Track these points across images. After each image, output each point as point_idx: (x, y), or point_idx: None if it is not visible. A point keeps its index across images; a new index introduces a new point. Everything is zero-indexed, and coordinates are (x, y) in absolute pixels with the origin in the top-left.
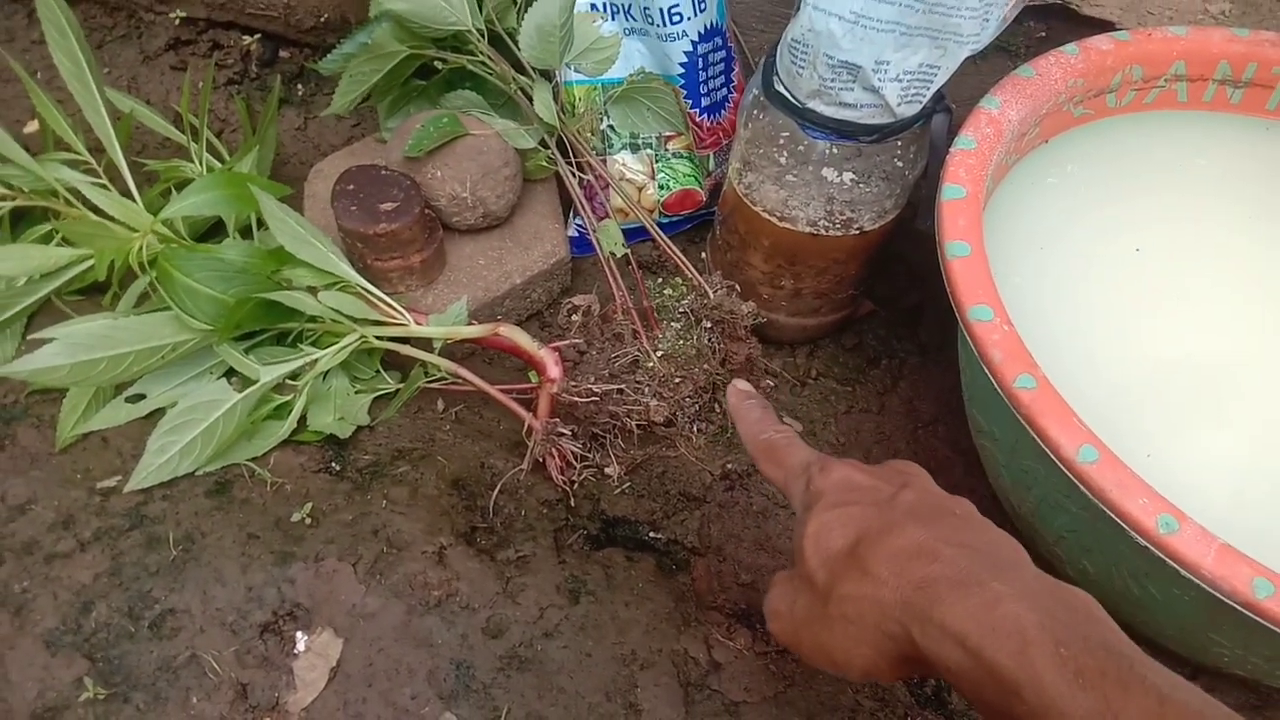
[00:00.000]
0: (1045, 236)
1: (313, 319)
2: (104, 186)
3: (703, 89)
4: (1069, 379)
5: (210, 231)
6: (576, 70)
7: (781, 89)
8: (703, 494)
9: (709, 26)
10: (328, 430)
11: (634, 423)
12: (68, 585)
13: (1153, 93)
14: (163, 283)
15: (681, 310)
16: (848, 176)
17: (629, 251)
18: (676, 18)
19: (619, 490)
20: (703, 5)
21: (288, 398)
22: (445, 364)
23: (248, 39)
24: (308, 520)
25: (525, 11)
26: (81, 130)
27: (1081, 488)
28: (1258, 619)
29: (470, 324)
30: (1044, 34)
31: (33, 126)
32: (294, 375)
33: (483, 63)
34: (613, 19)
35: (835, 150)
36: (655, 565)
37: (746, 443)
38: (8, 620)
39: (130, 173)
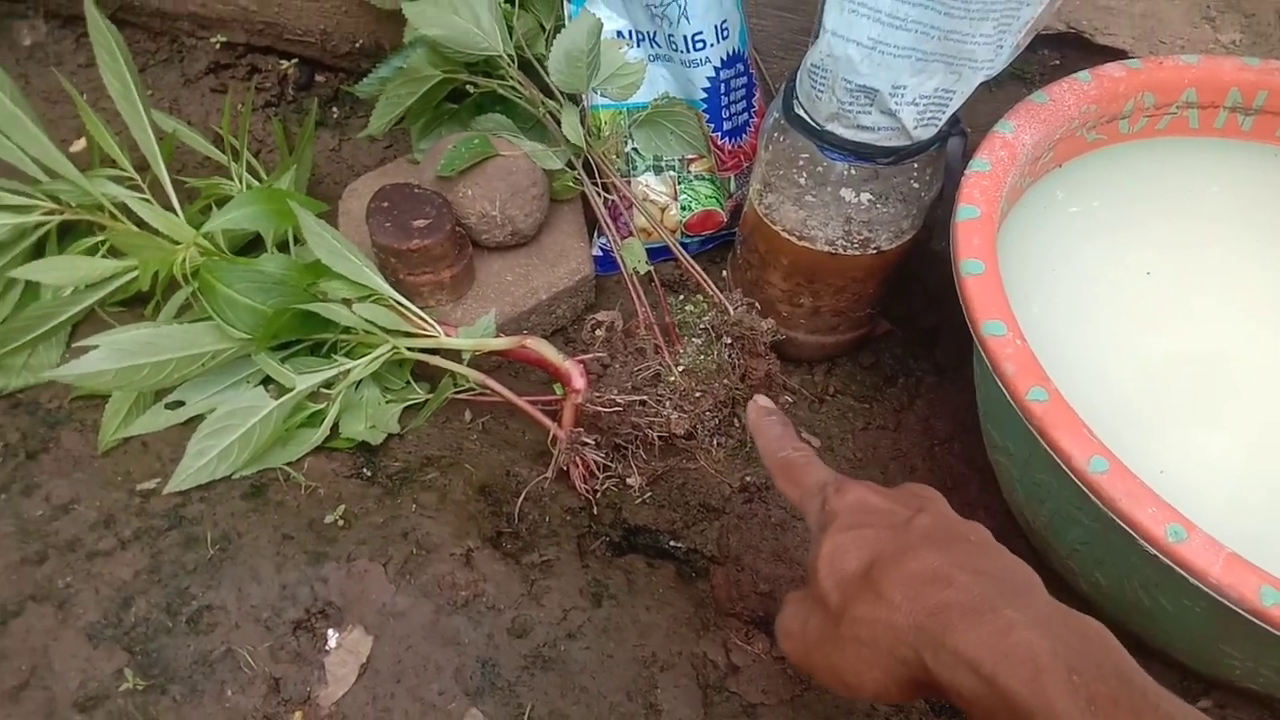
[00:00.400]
0: (1058, 258)
1: (347, 330)
2: (148, 201)
3: (725, 113)
4: (1081, 397)
5: (248, 246)
6: (603, 95)
7: (801, 112)
8: (722, 505)
9: (731, 53)
10: (359, 437)
11: (655, 434)
12: (109, 581)
13: (1165, 119)
14: (204, 293)
15: (702, 326)
16: (865, 197)
17: (652, 269)
18: (700, 45)
19: (640, 500)
20: (725, 33)
21: (321, 406)
22: (473, 374)
23: (285, 64)
24: (340, 522)
25: (554, 38)
26: (127, 148)
27: (1093, 498)
28: (1266, 627)
29: (497, 337)
30: (1058, 62)
31: (78, 145)
32: (328, 384)
33: (513, 87)
34: (638, 46)
35: (853, 172)
36: (675, 572)
37: (765, 459)
38: (52, 613)
39: (173, 189)
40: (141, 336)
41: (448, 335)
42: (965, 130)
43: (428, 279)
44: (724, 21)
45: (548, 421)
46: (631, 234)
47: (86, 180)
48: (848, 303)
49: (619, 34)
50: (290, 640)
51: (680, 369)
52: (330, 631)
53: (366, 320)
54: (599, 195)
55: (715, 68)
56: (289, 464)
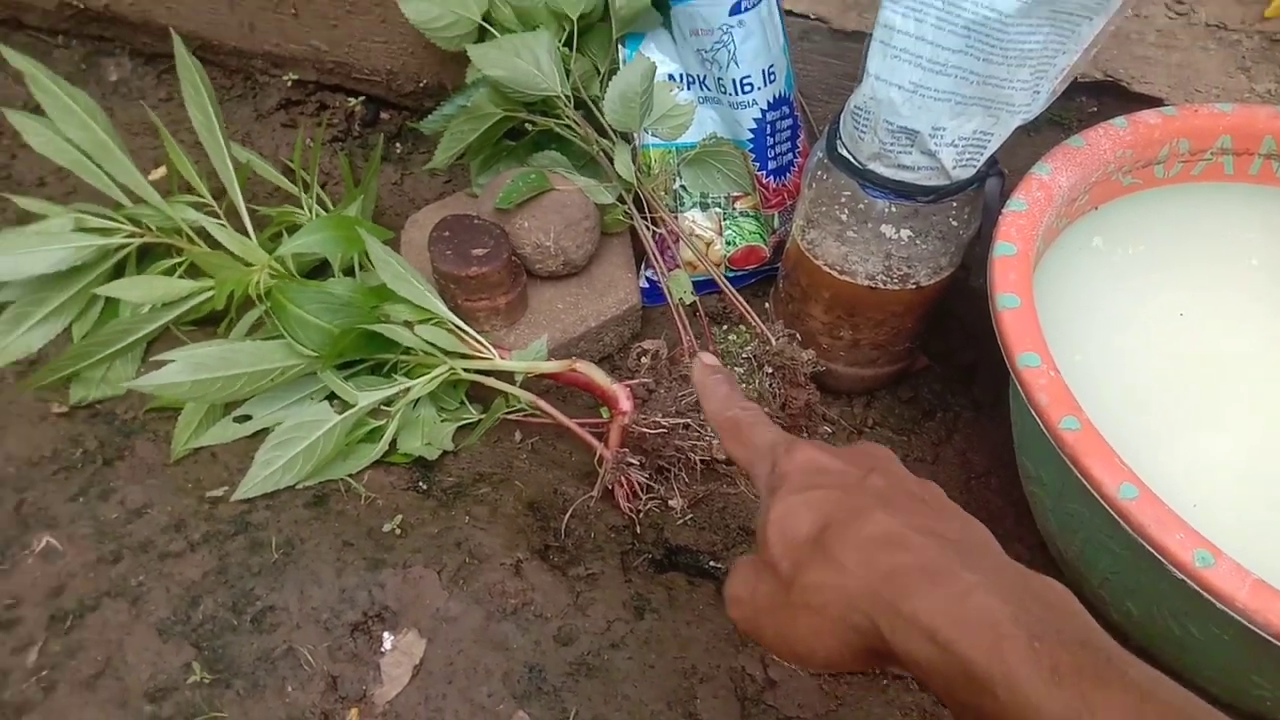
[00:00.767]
0: (1092, 298)
1: (407, 351)
2: (224, 226)
3: (770, 153)
4: (1114, 433)
5: (314, 271)
6: (654, 134)
7: (844, 152)
8: None
9: (777, 96)
10: (416, 453)
11: (697, 458)
12: (179, 581)
13: (1200, 165)
14: (276, 313)
15: (745, 356)
16: (905, 234)
17: (696, 300)
18: (748, 88)
19: (682, 521)
20: (772, 77)
21: (381, 422)
22: (525, 395)
23: (352, 101)
24: (397, 531)
25: (609, 80)
26: (204, 176)
27: (1122, 524)
28: None
29: (548, 361)
30: (1095, 109)
31: (156, 174)
32: (388, 402)
33: (568, 126)
34: (688, 88)
35: (894, 209)
36: (715, 590)
37: (711, 419)
38: (125, 609)
39: (247, 216)
40: (216, 352)
41: (502, 358)
42: (1003, 171)
43: (484, 304)
44: (771, 66)
45: (594, 442)
46: (678, 266)
47: (168, 205)
48: (887, 336)
49: (670, 77)
50: (348, 641)
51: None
52: (386, 634)
53: (427, 341)
54: (648, 229)
55: (762, 110)
56: (350, 476)
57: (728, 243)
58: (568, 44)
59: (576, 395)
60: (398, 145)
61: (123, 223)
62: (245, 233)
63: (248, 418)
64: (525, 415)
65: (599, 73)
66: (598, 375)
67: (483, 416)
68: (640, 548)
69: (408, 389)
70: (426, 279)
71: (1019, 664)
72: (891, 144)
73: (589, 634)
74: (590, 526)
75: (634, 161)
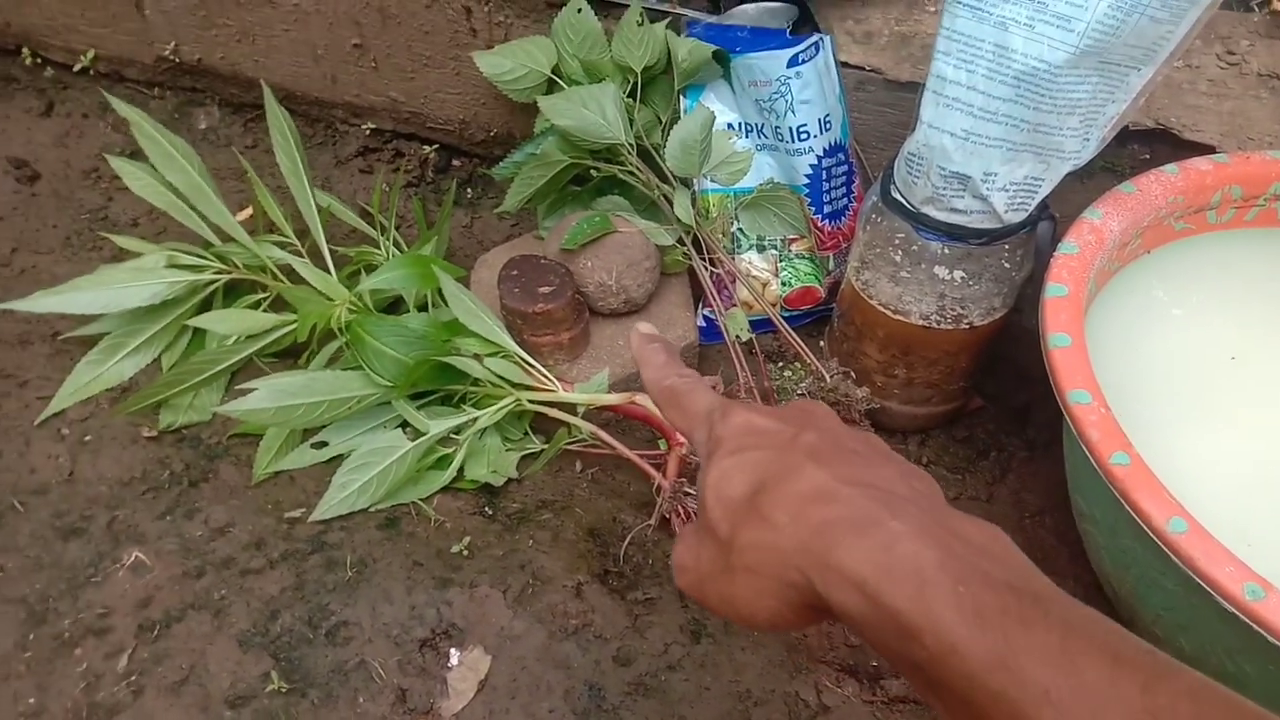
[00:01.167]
0: (1145, 340)
1: (475, 382)
2: (307, 264)
3: (825, 198)
4: (1163, 472)
5: (389, 308)
6: (712, 180)
7: (898, 196)
8: None
9: (833, 144)
10: (482, 479)
11: None
12: (258, 596)
13: (1253, 211)
14: (355, 344)
15: (799, 392)
16: (958, 275)
17: (753, 338)
18: (804, 135)
19: None
20: (828, 125)
21: (450, 450)
22: (586, 426)
23: (426, 149)
24: (464, 553)
25: (670, 129)
26: (288, 218)
27: (1173, 558)
28: None
29: (609, 393)
30: (1147, 156)
31: (241, 216)
32: (456, 431)
33: (631, 172)
34: (746, 136)
35: (947, 251)
36: None
37: (649, 388)
38: (208, 621)
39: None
40: (298, 381)
41: (565, 390)
42: (1054, 215)
43: (549, 340)
44: (827, 115)
45: (653, 472)
46: (735, 306)
47: (255, 244)
48: (940, 375)
49: (729, 126)
50: (417, 656)
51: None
52: (453, 650)
53: (494, 374)
54: (706, 270)
55: (818, 156)
56: (420, 500)
57: (783, 284)
58: (632, 95)
59: (636, 427)
60: (468, 191)
61: (212, 260)
62: (326, 270)
63: (324, 444)
64: (586, 446)
65: (661, 122)
66: (657, 409)
67: (546, 446)
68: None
69: (475, 419)
70: (495, 315)
71: (943, 609)
72: (944, 188)
73: (647, 656)
74: (648, 554)
75: (693, 205)
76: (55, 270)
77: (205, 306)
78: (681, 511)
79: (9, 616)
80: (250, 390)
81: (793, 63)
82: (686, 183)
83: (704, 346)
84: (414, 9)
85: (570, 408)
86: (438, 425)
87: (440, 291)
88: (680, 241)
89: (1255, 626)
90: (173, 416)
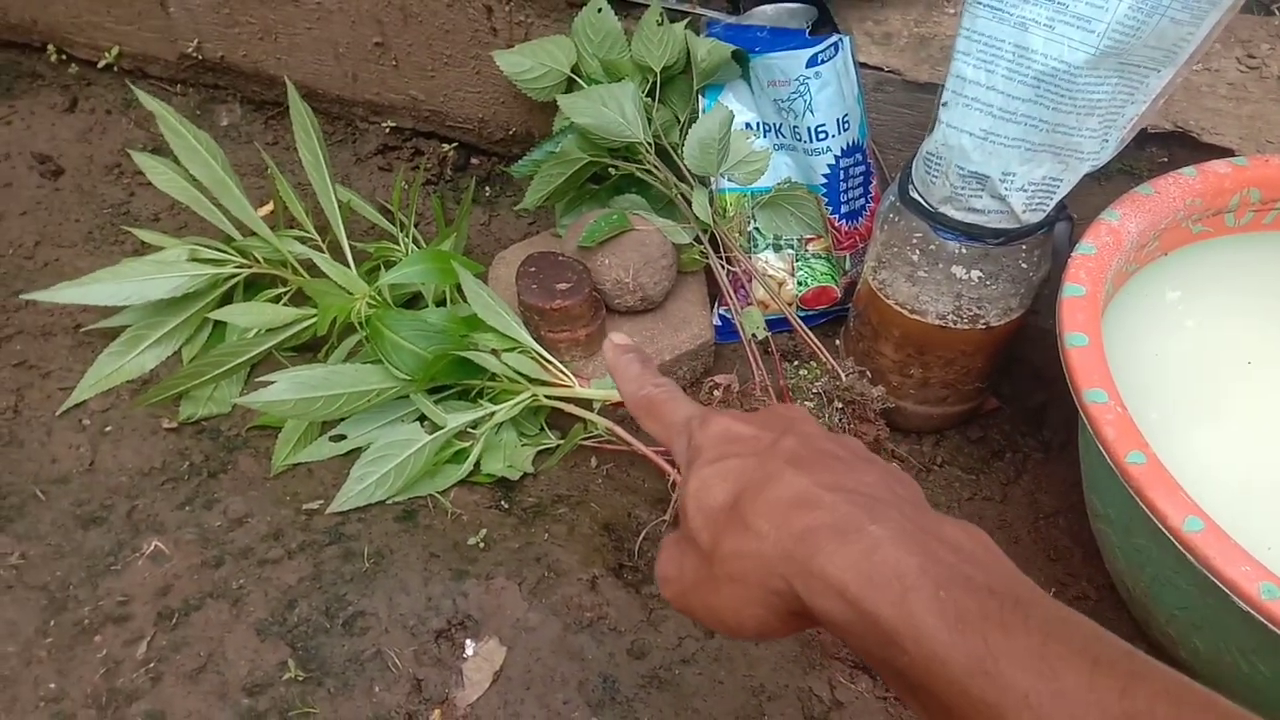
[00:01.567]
0: (1160, 342)
1: (493, 377)
2: (327, 259)
3: (843, 198)
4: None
5: (407, 303)
6: (730, 179)
7: (916, 195)
8: None
9: (851, 144)
10: (499, 474)
11: None
12: (276, 585)
13: (1271, 214)
14: (374, 338)
15: (815, 391)
16: (975, 274)
17: (769, 337)
18: (822, 136)
19: None
20: (846, 125)
21: (467, 444)
22: (602, 422)
23: (445, 147)
24: (481, 545)
25: (688, 128)
26: (308, 213)
27: (1188, 557)
28: None
29: None
30: (1166, 159)
31: (262, 211)
32: (473, 425)
33: (649, 170)
34: (764, 136)
35: (964, 250)
36: None
37: (626, 399)
38: (227, 610)
39: (349, 250)
40: (318, 373)
41: (581, 386)
42: (1072, 216)
43: (565, 336)
44: (845, 115)
45: (668, 468)
46: (751, 304)
47: (276, 239)
48: (956, 375)
49: (748, 125)
50: (433, 646)
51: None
52: (468, 641)
53: (512, 369)
54: (723, 268)
55: (835, 156)
56: (437, 493)
57: (800, 283)
58: (650, 94)
59: None
60: (487, 189)
61: (233, 254)
62: (347, 265)
63: (343, 437)
64: (602, 441)
65: (679, 121)
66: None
67: (561, 441)
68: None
69: (492, 413)
70: (513, 311)
71: (925, 614)
72: (963, 188)
73: (661, 649)
74: None
75: (711, 204)
76: (78, 264)
77: (226, 300)
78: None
79: (30, 603)
80: (270, 383)
81: (811, 63)
82: (704, 182)
83: (720, 345)
84: (435, 8)
85: (586, 403)
86: (455, 419)
87: (459, 287)
88: (697, 240)
89: (1271, 626)
90: (193, 408)
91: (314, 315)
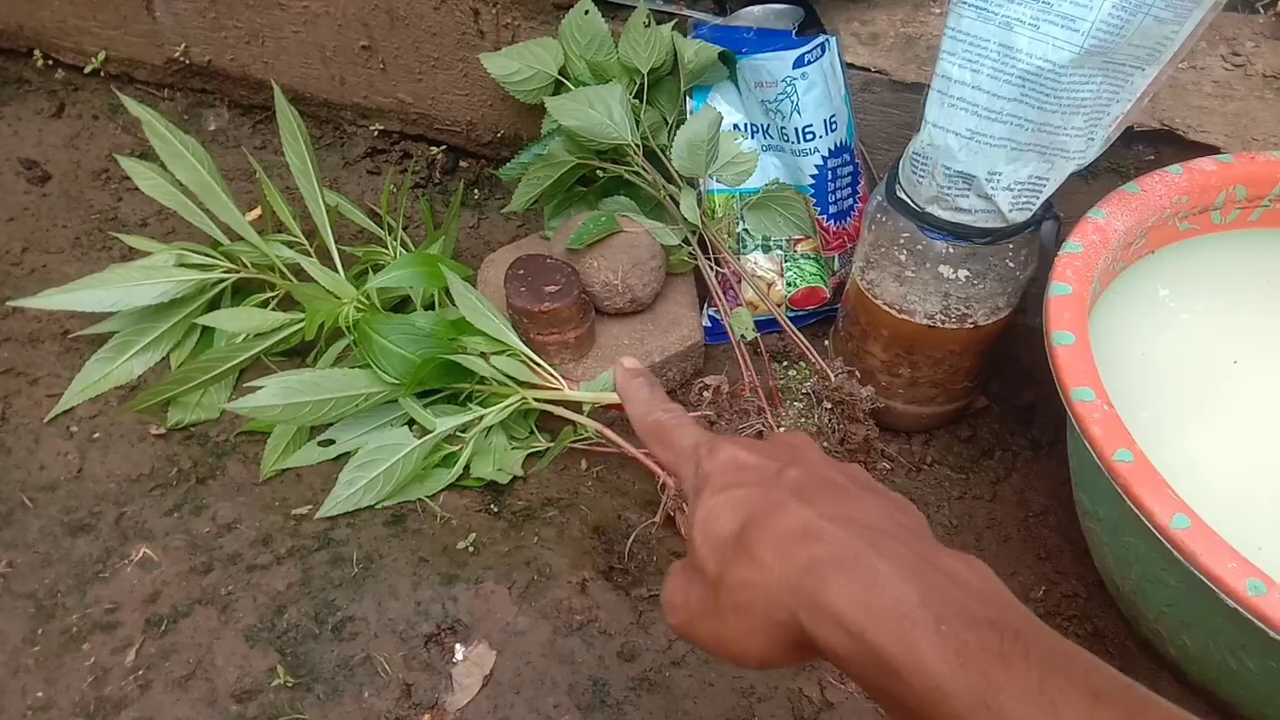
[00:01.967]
0: (1148, 339)
1: (482, 381)
2: (315, 263)
3: (831, 198)
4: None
5: (396, 307)
6: (718, 180)
7: (903, 195)
8: None
9: (838, 144)
10: (488, 477)
11: None
12: (265, 591)
13: (1258, 211)
14: (362, 342)
15: (804, 391)
16: (963, 274)
17: (758, 338)
18: (810, 136)
19: None
20: (834, 126)
21: (456, 448)
22: (592, 425)
23: (434, 150)
24: (470, 549)
25: (676, 130)
26: (296, 218)
27: (1176, 554)
28: None
29: (615, 392)
30: (1152, 157)
31: (251, 215)
32: (463, 429)
33: (637, 172)
34: (752, 137)
35: (952, 250)
36: None
37: (635, 423)
38: (215, 616)
39: (337, 254)
40: (306, 378)
41: (571, 389)
42: (1058, 215)
43: (555, 339)
44: (832, 116)
45: (657, 470)
46: (740, 305)
47: (264, 243)
48: (945, 375)
49: (735, 126)
50: (422, 651)
51: (781, 429)
52: (458, 645)
53: (501, 372)
54: (711, 270)
55: (823, 157)
56: (426, 497)
57: (789, 284)
58: (638, 96)
59: None
60: (475, 192)
61: (221, 259)
62: (335, 269)
63: (331, 442)
64: (591, 444)
65: (667, 123)
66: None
67: (551, 445)
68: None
69: (481, 417)
70: (501, 314)
71: (926, 648)
72: (949, 188)
73: (651, 651)
74: (653, 551)
75: (699, 206)
76: (65, 270)
77: (214, 305)
78: (686, 510)
79: (18, 612)
80: (258, 388)
81: (798, 64)
82: (692, 183)
83: (709, 346)
84: (422, 11)
85: (576, 406)
86: (444, 423)
87: (447, 290)
88: (686, 241)
89: (1257, 622)
90: (181, 414)
91: (302, 320)
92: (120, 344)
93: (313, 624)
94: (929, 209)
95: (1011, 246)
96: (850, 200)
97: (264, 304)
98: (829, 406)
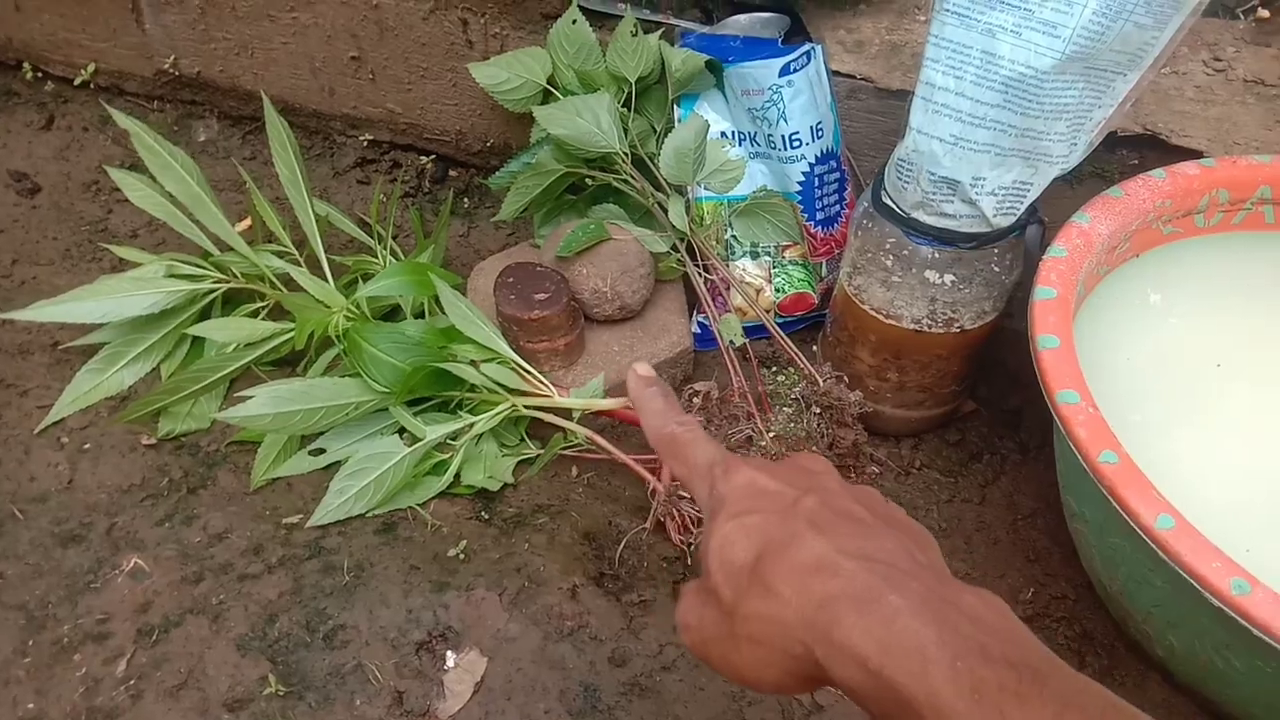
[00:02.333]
0: (1132, 344)
1: (472, 389)
2: (305, 273)
3: (818, 205)
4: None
5: (386, 316)
6: (706, 188)
7: (889, 201)
8: None
9: (825, 151)
10: (479, 485)
11: None
12: (256, 600)
13: (1240, 214)
14: (352, 351)
15: (793, 396)
16: (949, 279)
17: (747, 343)
18: (796, 143)
19: None
20: (820, 133)
21: (446, 456)
22: (582, 431)
23: (423, 159)
24: (461, 556)
25: (664, 138)
26: (286, 228)
27: (1161, 554)
28: None
29: (605, 398)
30: (1136, 161)
31: (241, 226)
32: (453, 437)
33: (626, 180)
34: (739, 144)
35: (937, 255)
36: None
37: (649, 434)
38: (207, 625)
39: (327, 264)
40: (297, 387)
41: (560, 396)
42: (1043, 219)
43: (544, 346)
44: (819, 123)
45: (648, 476)
46: (729, 311)
47: (254, 253)
48: (933, 379)
49: (723, 134)
50: (413, 658)
51: (771, 434)
52: (449, 652)
53: (491, 379)
54: (700, 276)
55: (810, 164)
56: (417, 505)
57: (777, 290)
58: (626, 104)
59: (631, 432)
60: (465, 200)
61: (211, 270)
62: (324, 279)
63: (322, 451)
64: (582, 451)
65: (655, 131)
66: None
67: (542, 451)
68: (691, 577)
69: (472, 424)
70: (491, 322)
71: (942, 685)
72: (934, 193)
73: (642, 656)
74: (643, 557)
75: (687, 213)
76: (55, 281)
77: (204, 315)
78: (676, 515)
79: (9, 623)
80: (249, 397)
81: (784, 71)
82: (681, 191)
83: (699, 352)
84: (411, 21)
85: (566, 413)
86: (434, 431)
87: (437, 299)
88: (675, 248)
89: (1242, 621)
90: (172, 424)
91: (292, 329)
92: (111, 355)
93: (304, 632)
94: (914, 214)
95: (997, 251)
96: (837, 206)
97: (254, 314)
98: (818, 411)
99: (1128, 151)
